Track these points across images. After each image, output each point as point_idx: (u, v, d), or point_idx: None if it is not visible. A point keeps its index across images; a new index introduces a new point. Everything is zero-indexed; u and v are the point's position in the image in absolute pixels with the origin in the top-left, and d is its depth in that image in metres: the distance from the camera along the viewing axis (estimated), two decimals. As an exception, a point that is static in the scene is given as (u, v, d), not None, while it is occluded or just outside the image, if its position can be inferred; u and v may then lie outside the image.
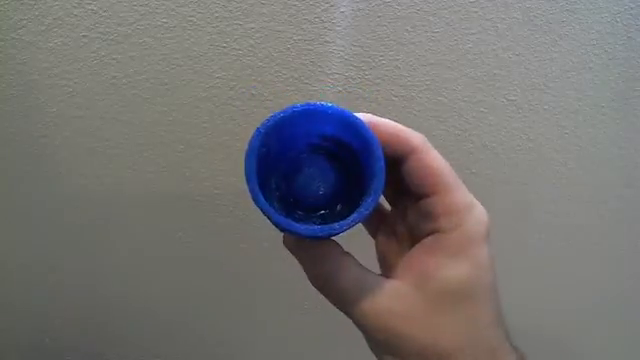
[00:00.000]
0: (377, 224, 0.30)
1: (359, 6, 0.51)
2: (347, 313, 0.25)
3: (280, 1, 0.51)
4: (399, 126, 0.25)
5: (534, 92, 0.56)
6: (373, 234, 0.31)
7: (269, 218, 0.23)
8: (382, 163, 0.23)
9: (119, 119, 0.56)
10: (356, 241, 0.28)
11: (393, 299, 0.24)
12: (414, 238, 0.26)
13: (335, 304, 0.25)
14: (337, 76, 0.54)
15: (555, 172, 0.60)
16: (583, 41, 0.54)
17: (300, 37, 0.52)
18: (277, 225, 0.24)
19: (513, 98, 0.56)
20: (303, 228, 0.23)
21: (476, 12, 0.52)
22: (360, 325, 0.25)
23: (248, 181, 0.23)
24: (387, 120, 0.25)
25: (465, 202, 0.24)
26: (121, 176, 0.59)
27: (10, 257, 0.65)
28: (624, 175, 0.61)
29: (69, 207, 0.61)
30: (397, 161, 0.25)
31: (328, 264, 0.25)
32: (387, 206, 0.30)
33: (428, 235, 0.25)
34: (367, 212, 0.23)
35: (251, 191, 0.23)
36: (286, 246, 0.27)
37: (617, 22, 0.53)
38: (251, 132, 0.25)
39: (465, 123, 0.57)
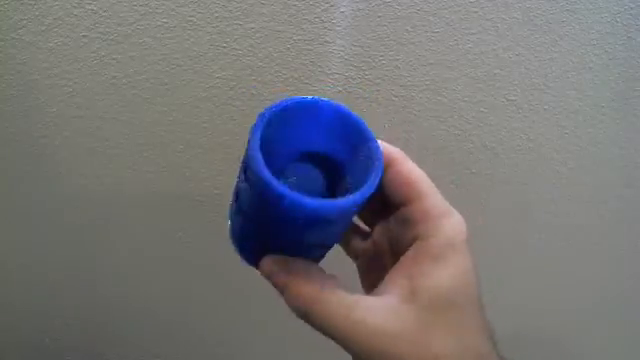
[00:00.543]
0: (357, 245, 0.30)
1: (359, 6, 0.51)
2: (336, 338, 0.24)
3: (280, 1, 0.51)
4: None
5: (534, 92, 0.56)
6: (355, 255, 0.31)
7: (272, 191, 0.21)
8: (381, 148, 0.25)
9: (119, 119, 0.56)
10: (336, 266, 0.28)
11: (385, 317, 0.23)
12: (396, 253, 0.26)
13: (322, 329, 0.24)
14: (337, 76, 0.54)
15: (555, 172, 0.60)
16: (583, 41, 0.54)
17: (300, 37, 0.52)
18: (278, 200, 0.22)
19: (513, 98, 0.56)
20: (310, 201, 0.21)
21: (476, 12, 0.52)
22: (351, 348, 0.24)
23: (252, 149, 0.22)
24: None
25: (442, 208, 0.25)
26: (121, 176, 0.59)
27: (10, 257, 0.65)
28: (624, 175, 0.61)
29: (69, 207, 0.61)
30: None
31: (311, 286, 0.24)
32: (365, 228, 0.31)
33: (409, 246, 0.25)
34: (372, 190, 0.23)
35: (254, 158, 0.22)
36: (264, 271, 0.26)
37: (617, 22, 0.53)
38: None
39: (465, 123, 0.57)
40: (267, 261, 0.26)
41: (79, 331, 0.70)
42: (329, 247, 0.28)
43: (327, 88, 0.55)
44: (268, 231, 0.25)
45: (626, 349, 0.71)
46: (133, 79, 0.54)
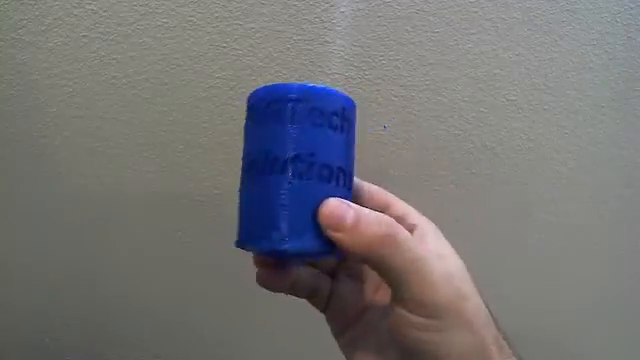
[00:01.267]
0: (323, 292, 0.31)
1: (359, 6, 0.51)
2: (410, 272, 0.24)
3: (280, 1, 0.51)
4: None
5: (534, 92, 0.56)
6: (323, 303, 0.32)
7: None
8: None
9: (119, 119, 0.56)
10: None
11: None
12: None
13: (395, 260, 0.24)
14: (337, 76, 0.54)
15: (555, 172, 0.60)
16: (583, 41, 0.54)
17: (300, 37, 0.52)
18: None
19: (513, 98, 0.56)
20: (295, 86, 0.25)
21: (476, 12, 0.52)
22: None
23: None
24: None
25: (411, 209, 0.28)
26: (121, 176, 0.59)
27: (10, 257, 0.65)
28: (624, 175, 0.61)
29: (69, 207, 0.61)
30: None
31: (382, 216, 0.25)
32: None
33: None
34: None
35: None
36: (331, 211, 0.24)
37: (617, 22, 0.53)
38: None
39: (465, 123, 0.57)
40: (334, 200, 0.24)
41: (79, 331, 0.70)
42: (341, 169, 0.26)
43: (327, 88, 0.55)
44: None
45: (626, 349, 0.71)
46: (133, 79, 0.54)
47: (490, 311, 0.25)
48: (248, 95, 0.27)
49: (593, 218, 0.63)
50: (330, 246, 0.24)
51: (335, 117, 0.25)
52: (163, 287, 0.67)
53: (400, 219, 0.27)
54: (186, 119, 0.56)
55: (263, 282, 0.28)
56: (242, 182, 0.27)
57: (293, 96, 0.25)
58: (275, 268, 0.28)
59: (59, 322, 0.70)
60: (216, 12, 0.52)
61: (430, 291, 0.23)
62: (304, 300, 0.31)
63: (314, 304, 0.31)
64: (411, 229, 0.26)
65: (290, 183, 0.24)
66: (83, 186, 0.60)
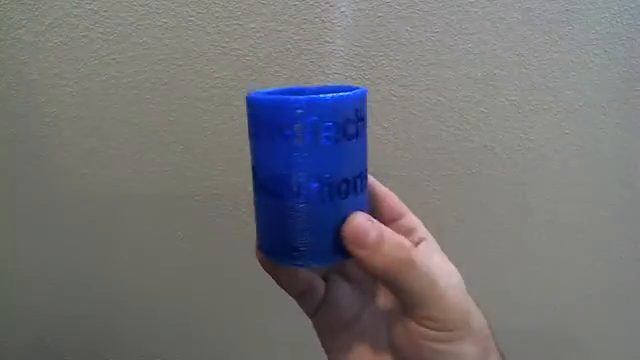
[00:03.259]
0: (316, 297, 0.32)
1: (359, 6, 0.51)
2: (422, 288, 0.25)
3: (280, 1, 0.51)
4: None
5: (534, 92, 0.56)
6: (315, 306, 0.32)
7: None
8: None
9: (119, 119, 0.56)
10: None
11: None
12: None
13: (415, 281, 0.24)
14: (337, 76, 0.54)
15: (555, 172, 0.60)
16: (583, 41, 0.54)
17: (300, 37, 0.52)
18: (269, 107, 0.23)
19: (513, 98, 0.56)
20: (294, 99, 0.22)
21: (476, 12, 0.52)
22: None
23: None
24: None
25: (418, 221, 0.29)
26: (121, 176, 0.59)
27: (10, 257, 0.65)
28: (624, 175, 0.61)
29: (69, 207, 0.61)
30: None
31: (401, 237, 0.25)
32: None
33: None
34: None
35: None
36: (357, 226, 0.24)
37: (617, 22, 0.53)
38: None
39: (465, 123, 0.57)
40: (359, 216, 0.24)
41: (79, 331, 0.70)
42: (358, 176, 0.25)
43: (327, 88, 0.55)
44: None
45: (626, 349, 0.71)
46: (133, 79, 0.54)
47: (488, 322, 0.27)
48: (249, 97, 0.24)
49: (593, 218, 0.63)
50: (348, 256, 0.24)
51: (349, 125, 0.24)
52: (163, 287, 0.67)
53: (410, 231, 0.28)
54: (186, 119, 0.56)
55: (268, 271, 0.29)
56: (255, 196, 0.26)
57: (301, 112, 0.22)
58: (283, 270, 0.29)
59: (59, 322, 0.70)
60: (216, 12, 0.52)
61: (444, 308, 0.24)
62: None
63: (304, 306, 0.31)
64: (419, 242, 0.28)
65: (307, 205, 0.23)
66: (83, 186, 0.60)
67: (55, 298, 0.68)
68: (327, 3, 0.51)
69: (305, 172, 0.23)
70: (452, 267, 0.27)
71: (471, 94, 0.56)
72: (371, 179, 0.28)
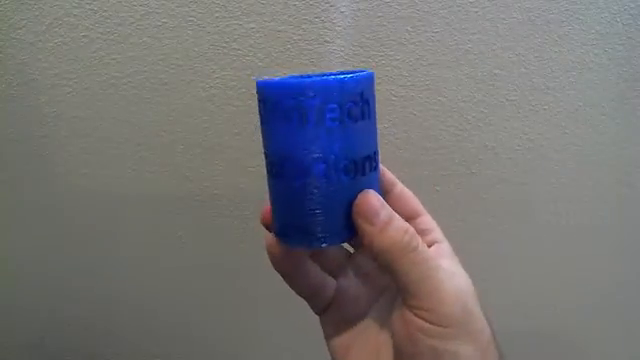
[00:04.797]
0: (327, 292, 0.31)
1: (359, 6, 0.51)
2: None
3: (280, 1, 0.51)
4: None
5: (534, 92, 0.56)
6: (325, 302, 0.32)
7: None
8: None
9: (119, 119, 0.56)
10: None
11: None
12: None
13: (421, 264, 0.25)
14: (337, 76, 0.54)
15: (555, 172, 0.60)
16: (583, 41, 0.54)
17: (300, 37, 0.52)
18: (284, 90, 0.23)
19: (513, 98, 0.56)
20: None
21: (476, 12, 0.52)
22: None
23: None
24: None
25: (436, 226, 0.29)
26: (121, 176, 0.59)
27: (10, 257, 0.65)
28: (624, 175, 0.61)
29: (69, 207, 0.61)
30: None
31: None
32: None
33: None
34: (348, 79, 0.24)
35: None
36: (369, 205, 0.25)
37: (617, 22, 0.53)
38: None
39: (465, 123, 0.57)
40: (373, 194, 0.25)
41: (79, 331, 0.70)
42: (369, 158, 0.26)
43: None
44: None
45: (626, 349, 0.71)
46: (133, 79, 0.54)
47: (494, 334, 0.26)
48: (257, 82, 0.25)
49: (593, 218, 0.63)
50: (356, 233, 0.25)
51: (355, 107, 0.24)
52: (163, 287, 0.67)
53: (425, 232, 0.28)
54: (186, 119, 0.56)
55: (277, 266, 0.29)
56: (268, 179, 0.26)
57: (305, 93, 0.23)
58: (294, 267, 0.29)
59: (59, 322, 0.70)
60: (216, 12, 0.52)
61: (440, 301, 0.24)
62: (304, 300, 0.31)
63: (314, 306, 0.31)
64: (431, 244, 0.28)
65: (317, 188, 0.24)
66: (83, 186, 0.60)
67: (55, 298, 0.68)
68: (327, 3, 0.51)
69: (311, 153, 0.23)
70: (462, 271, 0.27)
71: (471, 94, 0.56)
72: (391, 176, 0.29)
